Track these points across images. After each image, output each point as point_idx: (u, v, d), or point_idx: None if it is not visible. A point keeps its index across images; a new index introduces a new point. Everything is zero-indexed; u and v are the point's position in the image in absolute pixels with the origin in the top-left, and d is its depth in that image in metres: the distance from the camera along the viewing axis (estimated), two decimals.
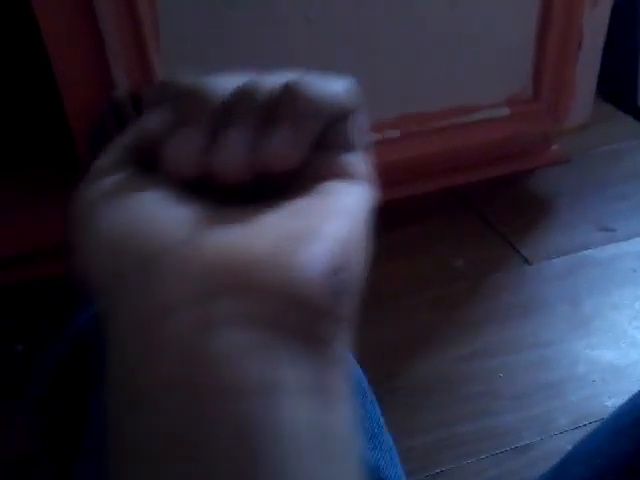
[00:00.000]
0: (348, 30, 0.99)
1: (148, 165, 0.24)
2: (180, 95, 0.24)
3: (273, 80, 0.24)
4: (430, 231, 1.16)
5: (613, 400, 0.87)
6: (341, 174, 0.24)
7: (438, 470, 0.82)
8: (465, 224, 1.18)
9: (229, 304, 0.20)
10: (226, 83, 0.24)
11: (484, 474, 0.82)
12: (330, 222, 0.22)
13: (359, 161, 0.25)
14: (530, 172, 1.26)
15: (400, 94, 1.06)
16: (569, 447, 0.81)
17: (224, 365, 0.20)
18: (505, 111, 1.11)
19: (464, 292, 1.04)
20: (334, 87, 0.24)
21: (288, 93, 0.23)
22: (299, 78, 0.24)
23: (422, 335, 0.97)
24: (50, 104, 1.08)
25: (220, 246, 0.21)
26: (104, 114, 0.95)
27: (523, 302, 1.02)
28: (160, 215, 0.22)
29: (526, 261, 1.10)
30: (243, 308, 0.20)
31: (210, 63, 0.95)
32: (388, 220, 1.18)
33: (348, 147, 0.25)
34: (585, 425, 0.85)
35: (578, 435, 0.84)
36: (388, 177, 1.17)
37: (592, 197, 1.22)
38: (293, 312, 0.21)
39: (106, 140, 0.94)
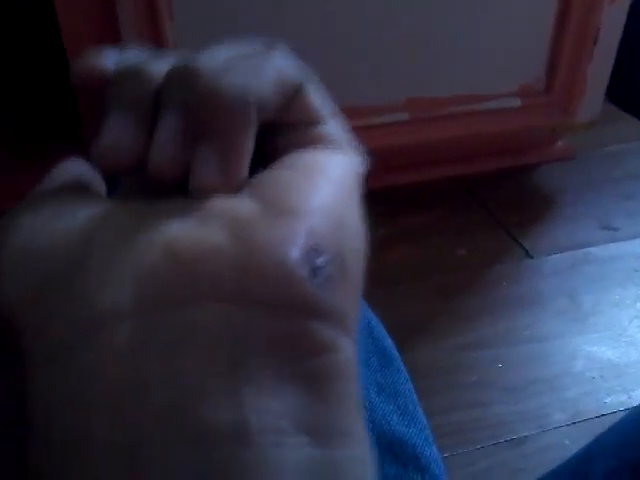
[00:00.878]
0: (363, 12, 0.98)
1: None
2: (119, 74, 0.21)
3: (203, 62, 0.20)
4: (434, 219, 1.15)
5: (612, 397, 0.87)
6: (316, 143, 0.21)
7: None
8: (469, 214, 1.17)
9: (178, 314, 0.17)
10: (168, 61, 0.21)
11: (477, 464, 0.81)
12: (303, 193, 0.19)
13: (335, 129, 0.22)
14: (535, 166, 1.25)
15: (411, 77, 1.05)
16: (566, 442, 0.82)
17: (177, 403, 0.16)
18: (516, 102, 1.10)
19: (465, 282, 1.04)
20: (266, 69, 0.20)
21: (206, 95, 0.19)
22: (221, 68, 0.19)
23: (421, 323, 0.96)
24: (57, 75, 1.06)
25: (161, 241, 0.18)
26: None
27: (523, 295, 1.02)
28: (80, 217, 0.19)
29: (528, 254, 1.09)
30: (198, 318, 0.17)
31: (224, 30, 0.93)
32: (392, 206, 1.17)
33: (316, 120, 0.21)
34: (582, 421, 0.85)
35: (574, 431, 0.83)
36: (395, 161, 1.17)
37: (596, 195, 1.21)
38: (266, 316, 0.17)
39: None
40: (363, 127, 1.04)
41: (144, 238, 0.18)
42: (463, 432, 0.83)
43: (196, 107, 0.19)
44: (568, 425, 0.84)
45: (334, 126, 0.22)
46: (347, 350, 0.18)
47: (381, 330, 0.38)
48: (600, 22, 1.04)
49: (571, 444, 0.82)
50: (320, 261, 0.18)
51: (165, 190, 0.20)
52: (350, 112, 1.07)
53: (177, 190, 0.20)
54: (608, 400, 0.87)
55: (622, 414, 0.85)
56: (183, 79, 0.19)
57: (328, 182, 0.19)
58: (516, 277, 1.05)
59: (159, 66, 0.20)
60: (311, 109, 0.21)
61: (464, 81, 1.08)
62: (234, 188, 0.19)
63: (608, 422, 0.85)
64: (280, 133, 0.21)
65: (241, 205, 0.18)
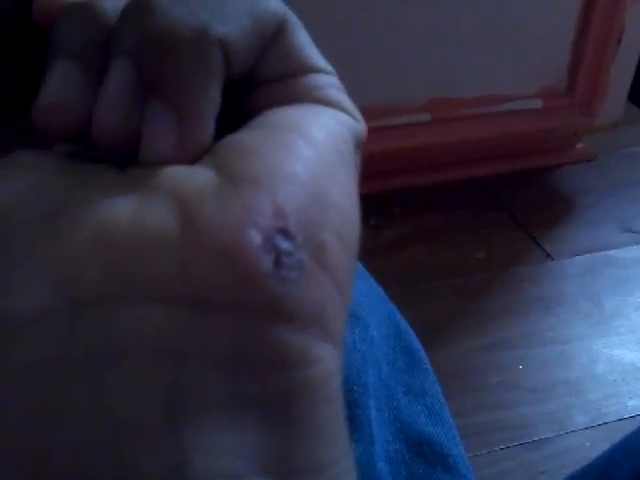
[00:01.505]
0: (386, 12, 0.98)
1: None
2: (67, 11, 0.16)
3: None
4: (453, 220, 1.15)
5: (634, 401, 0.86)
6: (300, 99, 0.17)
7: None
8: (489, 215, 1.16)
9: (105, 320, 0.13)
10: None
11: (498, 466, 0.81)
12: (270, 158, 0.15)
13: (325, 81, 0.17)
14: (556, 168, 1.25)
15: (433, 78, 1.05)
16: (587, 444, 0.82)
17: (99, 439, 0.13)
18: (537, 103, 1.10)
19: (484, 283, 1.03)
20: (237, 1, 0.16)
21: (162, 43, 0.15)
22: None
23: (440, 324, 0.96)
24: None
25: (93, 223, 0.14)
26: None
27: (544, 297, 1.01)
28: (4, 190, 0.15)
29: (548, 256, 1.08)
30: (130, 326, 0.13)
31: None
32: (412, 206, 1.17)
33: (301, 70, 0.17)
34: (603, 424, 0.84)
35: (596, 434, 0.83)
36: (415, 161, 1.17)
37: (617, 197, 1.20)
38: (217, 321, 0.13)
39: None
40: (384, 127, 1.04)
41: (72, 218, 0.14)
42: (484, 433, 0.83)
43: (147, 52, 0.15)
44: (589, 428, 0.84)
45: (323, 78, 0.18)
46: (326, 361, 0.14)
47: (409, 331, 0.38)
48: (624, 22, 1.03)
49: (592, 447, 0.81)
50: (288, 247, 0.14)
51: (118, 162, 0.16)
52: (372, 112, 1.08)
53: (128, 163, 0.16)
54: (630, 403, 0.86)
55: None
56: (136, 17, 0.15)
57: (306, 145, 0.15)
58: (537, 279, 1.04)
59: (115, 1, 0.16)
60: (294, 56, 0.17)
61: (485, 82, 1.07)
62: (194, 157, 0.15)
63: (629, 425, 0.85)
64: (257, 88, 0.17)
65: (195, 177, 0.15)
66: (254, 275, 0.13)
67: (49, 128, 0.16)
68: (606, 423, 0.84)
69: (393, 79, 1.03)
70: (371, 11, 0.97)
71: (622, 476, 0.37)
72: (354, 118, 0.18)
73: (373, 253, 1.09)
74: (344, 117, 0.17)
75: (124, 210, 0.14)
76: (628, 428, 0.42)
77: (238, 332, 0.13)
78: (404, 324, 0.39)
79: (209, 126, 0.15)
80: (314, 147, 0.15)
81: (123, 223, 0.14)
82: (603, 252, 1.09)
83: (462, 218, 1.15)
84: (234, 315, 0.13)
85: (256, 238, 0.14)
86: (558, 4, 1.04)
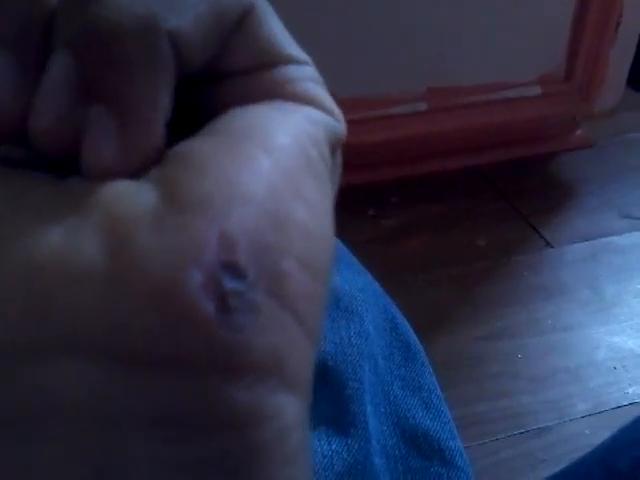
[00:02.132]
0: (381, 2, 0.97)
1: None
2: None
3: None
4: (452, 209, 1.14)
5: (634, 388, 0.86)
6: (269, 95, 0.15)
7: None
8: (488, 204, 1.16)
9: (19, 377, 0.11)
10: None
11: (499, 454, 0.81)
12: (223, 173, 0.12)
13: (298, 74, 0.15)
14: (555, 155, 1.24)
15: (430, 67, 1.04)
16: (587, 432, 0.82)
17: None
18: (536, 90, 1.09)
19: (485, 272, 1.03)
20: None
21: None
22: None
23: (441, 313, 0.96)
24: None
25: (22, 256, 0.12)
26: None
27: (544, 285, 1.01)
28: None
29: (548, 244, 1.08)
30: (47, 386, 0.11)
31: None
32: (410, 195, 1.17)
33: (270, 62, 0.15)
34: (604, 412, 0.84)
35: (597, 421, 0.83)
36: (413, 150, 1.16)
37: (616, 184, 1.20)
38: (151, 379, 0.11)
39: None
40: (382, 117, 1.04)
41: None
42: (485, 423, 0.83)
43: (88, 46, 0.13)
44: (590, 415, 0.84)
45: (297, 70, 0.15)
46: (285, 416, 0.12)
47: (405, 325, 0.38)
48: (622, 7, 1.02)
49: (592, 434, 0.81)
50: (235, 285, 0.11)
51: (54, 170, 0.14)
52: (369, 102, 1.08)
53: (70, 170, 0.14)
54: (630, 390, 0.86)
55: None
56: (80, 2, 0.13)
57: (265, 155, 0.13)
58: (537, 267, 1.04)
59: None
60: (263, 45, 0.15)
61: (483, 70, 1.07)
62: (140, 168, 0.13)
63: (629, 412, 0.85)
64: (220, 83, 0.15)
65: (134, 197, 0.12)
66: (194, 322, 0.11)
67: None
68: (606, 410, 0.84)
69: (390, 68, 1.02)
70: (367, 0, 0.97)
71: (622, 464, 0.37)
72: (331, 115, 0.15)
73: (371, 243, 1.09)
74: (319, 115, 0.15)
75: (52, 239, 0.12)
76: (628, 415, 0.42)
77: (176, 392, 0.11)
78: (400, 318, 0.38)
79: (157, 133, 0.13)
80: (275, 157, 0.13)
81: (49, 255, 0.12)
82: (602, 239, 1.09)
83: (461, 207, 1.15)
84: (170, 371, 0.11)
85: (197, 276, 0.11)
86: None
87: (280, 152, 0.13)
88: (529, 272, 1.03)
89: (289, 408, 0.12)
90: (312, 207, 0.13)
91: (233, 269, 0.12)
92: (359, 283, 0.35)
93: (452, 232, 1.10)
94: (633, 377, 0.88)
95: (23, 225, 0.12)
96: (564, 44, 1.08)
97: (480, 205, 1.16)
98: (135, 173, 0.13)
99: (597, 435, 0.81)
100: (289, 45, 0.15)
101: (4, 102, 0.13)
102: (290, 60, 0.15)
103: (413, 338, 0.37)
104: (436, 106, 1.06)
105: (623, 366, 0.89)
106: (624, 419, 0.44)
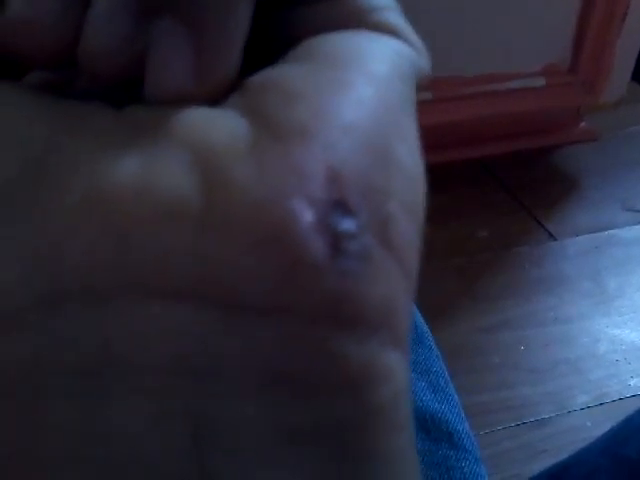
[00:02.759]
0: None
1: None
2: None
3: None
4: (456, 200, 1.14)
5: (635, 380, 0.86)
6: (351, 23, 0.13)
7: None
8: (491, 196, 1.16)
9: (96, 321, 0.10)
10: None
11: (499, 445, 0.81)
12: (323, 102, 0.11)
13: (383, 4, 0.14)
14: (559, 148, 1.24)
15: (435, 57, 1.03)
16: (588, 424, 0.82)
17: None
18: (541, 81, 1.09)
19: (487, 263, 1.03)
20: None
21: None
22: None
23: (443, 304, 0.96)
24: None
25: (83, 189, 0.10)
26: None
27: (546, 277, 1.01)
28: None
29: (551, 236, 1.08)
30: (132, 330, 0.10)
31: None
32: None
33: None
34: (605, 404, 0.84)
35: (597, 413, 0.83)
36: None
37: (619, 177, 1.20)
38: (254, 326, 0.10)
39: None
40: None
41: (56, 179, 0.10)
42: (486, 413, 0.83)
43: None
44: (590, 407, 0.84)
45: (384, 3, 0.14)
46: (398, 376, 0.11)
47: (413, 308, 0.38)
48: None
49: (593, 426, 0.81)
50: (349, 226, 0.10)
51: (110, 99, 0.12)
52: None
53: (128, 100, 0.12)
54: (631, 383, 0.86)
55: None
56: None
57: (367, 84, 0.12)
58: (539, 259, 1.04)
59: None
60: None
61: (488, 60, 1.06)
62: (215, 94, 0.12)
63: (631, 404, 0.84)
64: (294, 9, 0.13)
65: (221, 125, 0.11)
66: (306, 266, 0.10)
67: (20, 50, 0.12)
68: (607, 402, 0.84)
69: None
70: None
71: (628, 452, 0.37)
72: (415, 48, 0.14)
73: None
74: (405, 48, 0.13)
75: (126, 170, 0.10)
76: (629, 407, 0.42)
77: (283, 343, 0.10)
78: None
79: (236, 55, 0.12)
80: (376, 86, 0.12)
81: (125, 188, 0.10)
82: (605, 232, 1.09)
83: (464, 198, 1.15)
84: (278, 321, 0.10)
85: (307, 214, 0.10)
86: None
87: (380, 82, 0.12)
88: (531, 264, 1.03)
89: (400, 368, 0.11)
90: (410, 146, 0.12)
91: (344, 208, 0.10)
92: None
93: (454, 223, 1.10)
94: (635, 369, 0.88)
95: (89, 154, 0.11)
96: (570, 35, 1.07)
97: (483, 196, 1.16)
98: (212, 99, 0.12)
99: (598, 427, 0.80)
100: None
101: (53, 19, 0.11)
102: None
103: (421, 321, 0.37)
104: (441, 96, 1.06)
105: (625, 359, 0.89)
106: (626, 411, 0.44)
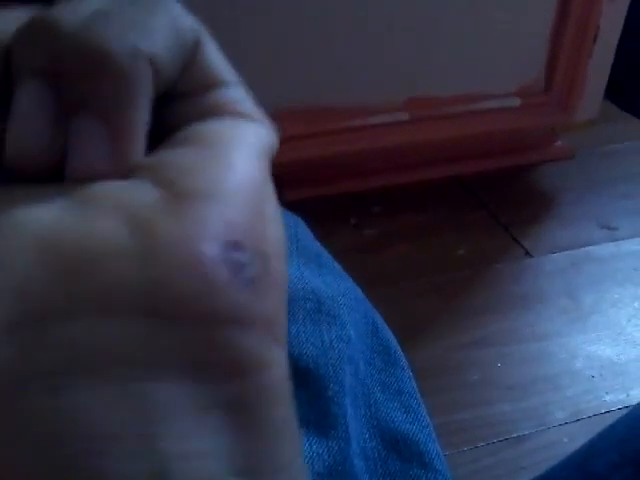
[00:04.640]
0: (363, 12, 0.98)
1: None
2: None
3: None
4: (433, 218, 1.15)
5: (611, 396, 0.87)
6: (220, 112, 0.17)
7: None
8: (468, 213, 1.17)
9: (59, 332, 0.13)
10: (16, 15, 0.16)
11: (479, 462, 0.82)
12: (216, 173, 0.15)
13: (240, 94, 0.17)
14: (535, 166, 1.26)
15: (412, 77, 1.05)
16: (565, 440, 0.83)
17: (70, 454, 0.13)
18: (516, 101, 1.11)
19: (464, 281, 1.04)
20: (158, 18, 0.16)
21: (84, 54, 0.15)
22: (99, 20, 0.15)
23: (421, 322, 0.97)
24: None
25: (33, 233, 0.14)
26: None
27: (523, 294, 1.02)
28: None
29: (527, 253, 1.09)
30: (90, 338, 0.13)
31: (217, 23, 0.93)
32: (391, 205, 1.17)
33: (218, 83, 0.17)
34: (581, 419, 0.85)
35: (575, 429, 0.84)
36: (395, 160, 1.17)
37: (595, 195, 1.22)
38: (181, 330, 0.14)
39: None
40: (363, 127, 1.04)
41: (8, 228, 0.14)
42: (465, 430, 0.84)
43: (71, 69, 0.15)
44: (568, 423, 0.85)
45: (236, 91, 0.18)
46: (281, 364, 0.15)
47: (386, 330, 0.38)
48: (600, 20, 1.04)
49: (570, 442, 0.82)
50: (242, 257, 0.14)
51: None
52: (351, 112, 1.08)
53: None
54: (607, 398, 0.87)
55: (621, 412, 0.85)
56: (46, 33, 0.15)
57: (243, 158, 0.16)
58: (516, 276, 1.05)
59: (5, 23, 0.16)
60: (210, 70, 0.17)
61: (464, 81, 1.08)
62: (124, 173, 0.15)
63: (607, 420, 0.85)
64: (173, 103, 0.17)
65: (138, 191, 0.15)
66: (215, 286, 0.14)
67: None
68: (584, 418, 0.85)
69: (372, 78, 1.03)
70: (350, 10, 0.97)
71: (600, 468, 0.38)
72: (267, 129, 0.18)
73: (353, 252, 1.09)
74: (260, 128, 0.17)
75: (64, 218, 0.14)
76: (605, 423, 0.43)
77: (202, 341, 0.14)
78: (381, 322, 0.39)
79: (141, 140, 0.15)
80: (249, 160, 0.16)
81: (66, 231, 0.14)
82: (581, 249, 1.10)
83: (441, 217, 1.16)
84: (197, 325, 0.14)
85: (213, 250, 0.14)
86: (535, 3, 1.05)
87: (252, 158, 0.16)
88: (509, 281, 1.04)
89: (281, 359, 0.15)
90: (274, 204, 0.16)
91: (237, 246, 0.14)
92: (341, 288, 0.36)
93: (433, 241, 1.11)
94: (610, 385, 0.89)
95: (24, 207, 0.14)
96: (543, 56, 1.09)
97: (461, 215, 1.17)
98: (119, 176, 0.15)
99: (575, 443, 0.81)
100: (228, 69, 0.18)
101: None
102: (230, 83, 0.17)
103: (394, 343, 0.37)
104: (418, 116, 1.07)
105: (600, 375, 0.90)
106: (602, 427, 0.45)
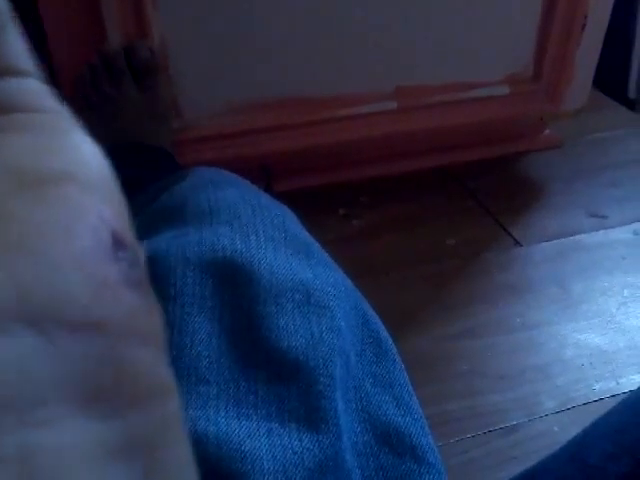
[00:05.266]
0: (351, 0, 0.97)
1: None
2: None
3: None
4: (422, 208, 1.15)
5: (600, 384, 0.87)
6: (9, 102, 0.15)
7: None
8: (457, 203, 1.17)
9: None
10: None
11: (469, 453, 0.81)
12: (62, 154, 0.13)
13: (37, 88, 0.15)
14: (523, 155, 1.25)
15: (399, 66, 1.04)
16: (555, 429, 0.82)
17: None
18: (504, 90, 1.10)
19: (454, 271, 1.03)
20: None
21: None
22: None
23: (410, 312, 0.96)
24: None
25: None
26: (94, 66, 0.92)
27: (512, 283, 1.02)
28: None
29: (517, 243, 1.09)
30: None
31: (210, 19, 0.92)
32: (380, 195, 1.17)
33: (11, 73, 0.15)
34: (571, 408, 0.85)
35: (565, 418, 0.84)
36: (382, 150, 1.16)
37: (584, 183, 1.21)
38: (65, 345, 0.11)
39: (95, 93, 0.90)
40: (351, 116, 1.03)
41: None
42: (455, 421, 0.83)
43: None
44: (558, 412, 0.84)
45: (34, 82, 0.15)
46: (176, 391, 0.12)
47: (376, 321, 0.37)
48: (588, 8, 1.03)
49: (560, 431, 0.82)
50: (126, 255, 0.12)
51: None
52: (338, 101, 1.07)
53: None
54: (597, 387, 0.87)
55: (610, 401, 0.85)
56: None
57: (86, 141, 0.14)
58: (505, 265, 1.05)
59: None
60: (8, 57, 0.15)
61: (452, 69, 1.07)
62: None
63: (596, 409, 0.85)
64: None
65: None
66: (107, 287, 0.11)
67: None
68: (574, 407, 0.85)
69: (359, 67, 1.02)
70: (336, 0, 0.96)
71: (593, 458, 0.37)
72: (62, 114, 0.15)
73: (342, 243, 1.09)
74: (58, 118, 0.15)
75: None
76: (595, 411, 0.42)
77: (96, 360, 0.11)
78: (372, 314, 0.38)
79: None
80: (91, 143, 0.14)
81: None
82: (570, 237, 1.10)
83: (430, 206, 1.15)
84: (89, 337, 0.11)
85: (98, 245, 0.12)
86: None
87: (91, 142, 0.14)
88: (498, 271, 1.04)
89: (174, 384, 0.12)
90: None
91: (119, 242, 0.12)
92: (331, 278, 0.35)
93: (422, 231, 1.10)
94: (600, 374, 0.89)
95: None
96: (532, 45, 1.08)
97: (449, 204, 1.16)
98: None
99: (565, 432, 0.82)
100: (28, 58, 0.15)
101: None
102: (27, 73, 0.15)
103: (384, 334, 0.37)
104: (405, 105, 1.06)
105: (590, 363, 0.90)
106: (592, 416, 0.44)
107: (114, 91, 0.91)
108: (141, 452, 0.11)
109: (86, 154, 0.13)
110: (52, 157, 0.13)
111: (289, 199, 0.47)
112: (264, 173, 1.00)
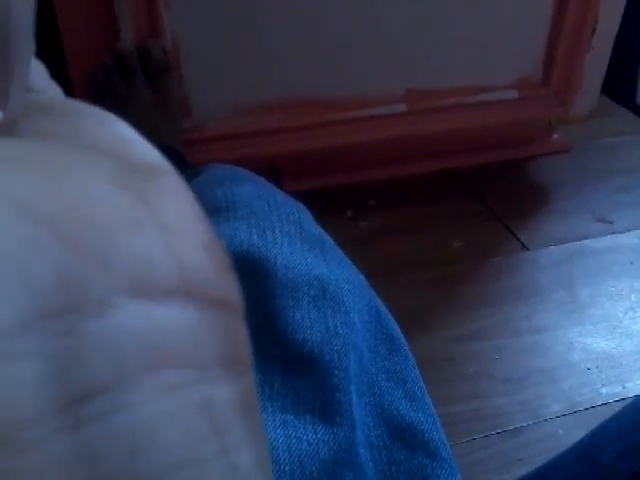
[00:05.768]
0: (362, 3, 0.97)
1: None
2: None
3: None
4: (429, 211, 1.15)
5: (607, 388, 0.87)
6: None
7: None
8: (465, 207, 1.17)
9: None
10: None
11: (474, 455, 0.81)
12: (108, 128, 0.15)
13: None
14: (531, 160, 1.26)
15: (409, 68, 1.05)
16: (561, 432, 0.82)
17: None
18: (513, 94, 1.10)
19: (461, 274, 1.04)
20: None
21: None
22: None
23: (417, 314, 0.96)
24: (48, 51, 1.05)
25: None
26: (106, 65, 0.92)
27: (520, 287, 1.02)
28: None
29: (524, 247, 1.09)
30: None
31: (222, 18, 0.92)
32: (389, 198, 1.17)
33: None
34: (577, 412, 0.85)
35: (570, 421, 0.84)
36: (391, 152, 1.16)
37: (592, 188, 1.22)
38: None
39: (107, 92, 0.91)
40: (360, 118, 1.04)
41: None
42: (461, 423, 0.84)
43: None
44: (564, 415, 0.84)
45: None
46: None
47: (389, 318, 0.38)
48: (598, 12, 1.04)
49: (565, 434, 0.82)
50: (221, 244, 0.15)
51: None
52: (348, 103, 1.07)
53: None
54: (603, 391, 0.87)
55: (617, 404, 0.85)
56: None
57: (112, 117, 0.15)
58: (513, 269, 1.05)
59: None
60: None
61: (462, 73, 1.08)
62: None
63: (602, 413, 0.85)
64: None
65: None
66: (226, 267, 0.13)
67: None
68: (580, 411, 0.85)
69: (369, 69, 1.03)
70: (349, 1, 0.97)
71: (604, 457, 0.37)
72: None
73: (350, 245, 1.08)
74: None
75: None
76: (601, 415, 0.43)
77: (225, 328, 0.13)
78: (384, 310, 0.38)
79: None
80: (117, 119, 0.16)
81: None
82: (577, 242, 1.10)
83: (438, 210, 1.16)
84: (225, 312, 0.13)
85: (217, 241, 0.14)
86: None
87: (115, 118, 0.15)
88: (505, 274, 1.04)
89: None
90: None
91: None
92: (345, 274, 0.35)
93: (429, 234, 1.11)
94: (606, 378, 0.89)
95: None
96: (541, 49, 1.09)
97: (457, 208, 1.17)
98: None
99: (571, 435, 0.82)
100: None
101: None
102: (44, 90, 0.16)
103: (397, 330, 0.37)
104: (415, 108, 1.07)
105: (597, 367, 0.90)
106: (598, 419, 0.44)
107: (126, 90, 0.91)
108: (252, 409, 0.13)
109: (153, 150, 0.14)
110: (139, 149, 0.13)
111: (298, 200, 0.47)
112: (273, 174, 1.00)
